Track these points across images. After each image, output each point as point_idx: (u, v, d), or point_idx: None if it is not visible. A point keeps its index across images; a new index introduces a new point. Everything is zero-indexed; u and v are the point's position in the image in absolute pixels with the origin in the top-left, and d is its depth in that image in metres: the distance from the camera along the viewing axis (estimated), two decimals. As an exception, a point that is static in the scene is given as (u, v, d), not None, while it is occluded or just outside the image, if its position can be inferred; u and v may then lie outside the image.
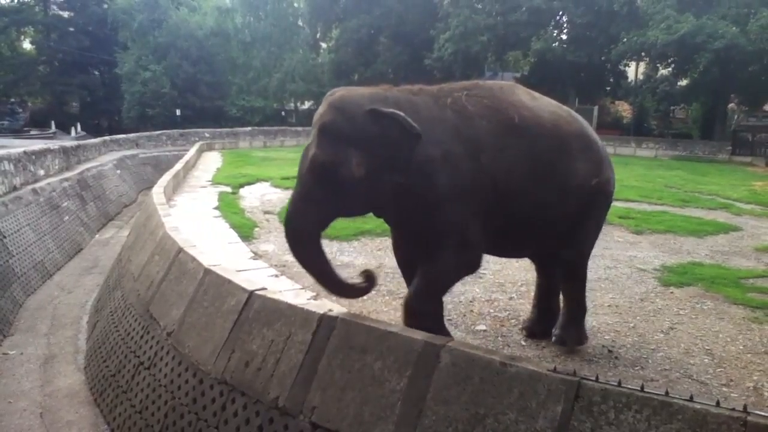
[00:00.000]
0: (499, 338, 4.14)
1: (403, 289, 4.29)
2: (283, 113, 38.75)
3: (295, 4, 38.52)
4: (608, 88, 30.32)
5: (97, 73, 40.70)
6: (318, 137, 3.11)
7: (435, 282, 3.42)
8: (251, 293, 3.83)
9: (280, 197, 10.44)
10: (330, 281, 3.33)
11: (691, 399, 2.12)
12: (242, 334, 3.67)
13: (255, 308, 3.72)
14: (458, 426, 2.50)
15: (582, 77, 28.72)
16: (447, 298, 4.51)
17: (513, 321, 4.48)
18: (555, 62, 26.94)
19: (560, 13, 28.33)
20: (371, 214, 3.48)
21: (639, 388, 2.21)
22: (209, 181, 12.85)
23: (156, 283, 5.10)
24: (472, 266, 3.49)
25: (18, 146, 13.62)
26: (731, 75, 23.07)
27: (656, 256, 6.62)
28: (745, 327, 4.40)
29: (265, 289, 3.94)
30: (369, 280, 3.40)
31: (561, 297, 4.04)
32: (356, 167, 3.03)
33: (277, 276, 5.39)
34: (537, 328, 4.12)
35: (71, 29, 38.66)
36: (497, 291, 5.21)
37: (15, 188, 10.41)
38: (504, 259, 5.54)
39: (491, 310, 4.72)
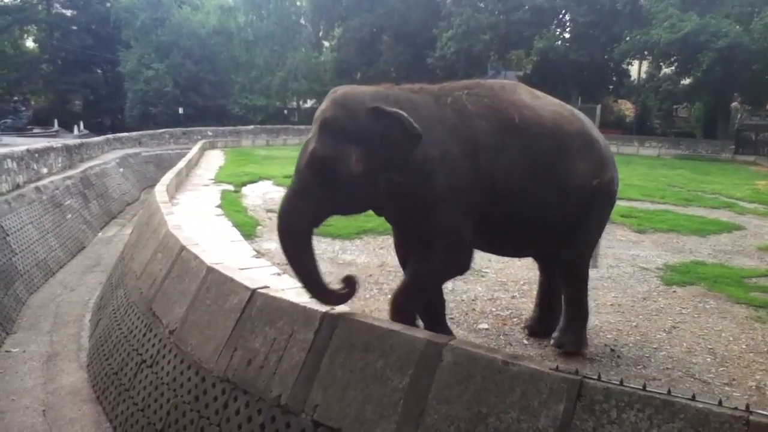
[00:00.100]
0: (501, 337, 4.13)
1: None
2: (285, 112, 38.79)
3: (298, 3, 38.49)
4: (611, 87, 30.19)
5: (99, 71, 40.80)
6: (319, 132, 3.11)
7: (423, 280, 3.41)
8: (253, 291, 3.84)
9: (282, 196, 10.40)
10: (313, 284, 3.21)
11: (693, 398, 2.12)
12: (244, 333, 3.67)
13: (257, 306, 3.73)
14: (460, 425, 2.50)
15: (585, 76, 28.61)
16: (449, 297, 4.53)
17: (515, 320, 4.47)
18: (558, 61, 26.88)
19: (563, 11, 28.25)
20: (373, 212, 3.48)
21: (641, 387, 2.21)
22: (212, 179, 12.85)
23: (158, 281, 5.11)
24: (462, 267, 3.47)
25: (21, 144, 13.67)
26: (734, 74, 22.96)
27: (659, 255, 6.61)
28: (747, 326, 4.39)
29: (268, 287, 3.95)
30: (350, 286, 3.28)
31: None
32: (355, 164, 3.03)
33: (279, 274, 5.39)
34: (539, 327, 4.11)
35: (74, 28, 38.67)
36: (500, 290, 5.21)
37: (18, 186, 10.43)
38: (506, 258, 5.54)
39: (493, 309, 4.71)
